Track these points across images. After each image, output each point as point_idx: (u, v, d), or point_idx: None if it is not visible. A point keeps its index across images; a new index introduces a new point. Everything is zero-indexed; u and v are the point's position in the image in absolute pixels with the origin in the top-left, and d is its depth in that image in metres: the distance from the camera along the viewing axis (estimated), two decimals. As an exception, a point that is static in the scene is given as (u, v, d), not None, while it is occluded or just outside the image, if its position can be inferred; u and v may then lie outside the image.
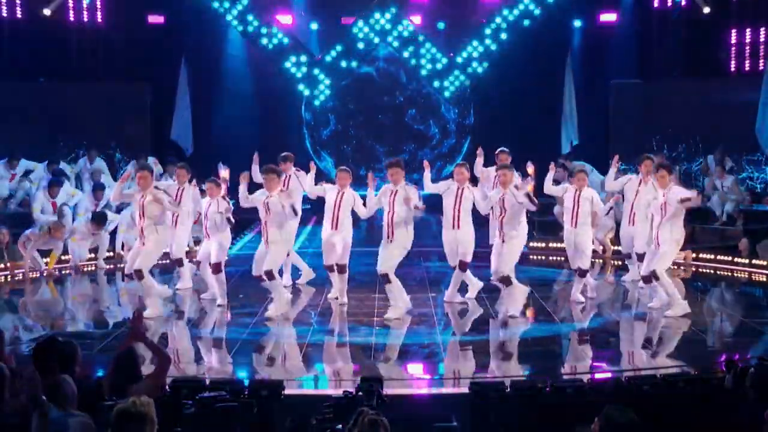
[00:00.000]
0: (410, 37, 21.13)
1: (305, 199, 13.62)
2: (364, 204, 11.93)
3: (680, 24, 20.06)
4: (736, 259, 15.15)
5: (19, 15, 19.74)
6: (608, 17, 20.78)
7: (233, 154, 15.15)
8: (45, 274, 14.58)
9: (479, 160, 13.14)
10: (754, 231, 15.75)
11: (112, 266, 15.33)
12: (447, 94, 21.39)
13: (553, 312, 11.89)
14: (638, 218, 12.94)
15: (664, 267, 11.47)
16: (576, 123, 19.47)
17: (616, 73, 19.88)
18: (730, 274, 14.85)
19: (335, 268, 12.20)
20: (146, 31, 20.75)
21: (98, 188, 16.42)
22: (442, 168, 21.10)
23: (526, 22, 20.56)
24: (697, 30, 19.65)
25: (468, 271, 12.15)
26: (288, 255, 12.76)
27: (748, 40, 19.49)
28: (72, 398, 5.77)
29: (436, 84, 21.26)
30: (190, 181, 13.16)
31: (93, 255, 15.45)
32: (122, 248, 15.48)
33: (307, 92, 21.47)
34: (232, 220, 12.15)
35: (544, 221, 16.89)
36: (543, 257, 16.09)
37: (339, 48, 21.27)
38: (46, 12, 19.29)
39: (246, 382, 8.02)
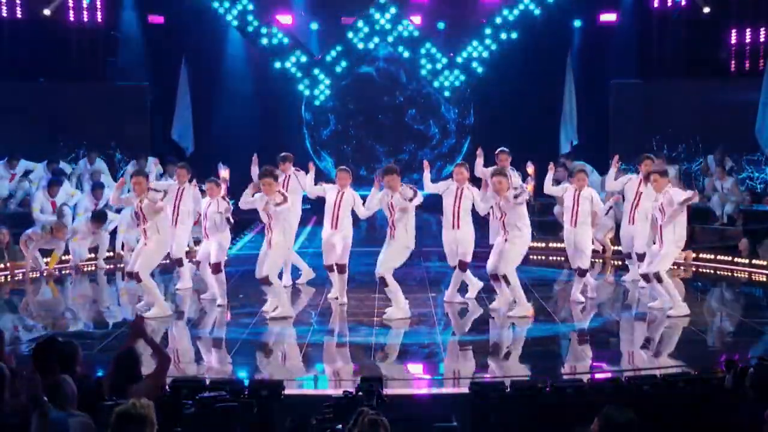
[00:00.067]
0: (410, 37, 21.13)
1: (305, 199, 13.62)
2: (364, 204, 11.94)
3: (680, 24, 20.05)
4: (736, 259, 15.15)
5: (19, 15, 19.74)
6: (608, 17, 20.78)
7: (233, 154, 15.16)
8: (45, 274, 14.58)
9: (479, 161, 13.13)
10: (754, 231, 15.75)
11: (112, 266, 15.33)
12: (447, 93, 21.40)
13: (553, 312, 11.89)
14: (638, 218, 12.94)
15: (665, 268, 11.47)
16: (576, 123, 19.46)
17: (616, 73, 19.88)
18: (730, 274, 14.85)
19: (335, 268, 12.20)
20: (146, 31, 20.76)
21: (98, 187, 16.40)
22: (442, 168, 21.11)
23: (526, 22, 20.57)
24: (697, 30, 19.65)
25: (468, 271, 12.15)
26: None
27: (748, 40, 19.49)
28: (72, 398, 5.77)
29: (437, 84, 21.27)
30: (190, 181, 13.16)
31: (93, 255, 15.45)
32: (122, 248, 15.48)
33: (307, 92, 21.47)
34: (232, 221, 12.15)
35: (544, 221, 16.90)
36: (543, 257, 16.08)
37: (339, 48, 21.28)
38: (46, 12, 19.29)
39: (246, 382, 8.02)
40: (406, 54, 21.27)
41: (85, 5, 20.39)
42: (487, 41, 20.82)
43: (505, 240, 11.34)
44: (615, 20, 20.73)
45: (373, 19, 21.05)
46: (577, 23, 20.82)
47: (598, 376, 9.02)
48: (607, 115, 19.84)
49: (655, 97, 19.52)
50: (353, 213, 12.10)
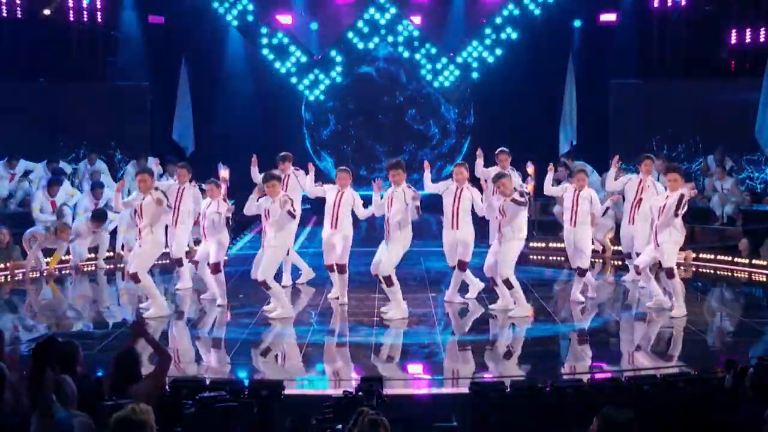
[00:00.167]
0: (410, 36, 21.14)
1: (305, 199, 13.63)
2: (364, 205, 11.95)
3: (680, 24, 20.05)
4: (736, 259, 15.15)
5: (19, 15, 19.74)
6: (608, 17, 20.78)
7: (233, 154, 15.15)
8: (45, 274, 14.58)
9: (479, 161, 13.13)
10: (754, 231, 15.75)
11: (112, 266, 15.33)
12: (452, 98, 21.43)
13: (553, 312, 11.90)
14: (638, 218, 12.94)
15: (671, 264, 11.47)
16: (575, 124, 19.46)
17: (616, 73, 19.87)
18: (730, 274, 14.85)
19: (335, 268, 12.21)
20: (146, 31, 20.76)
21: (97, 186, 16.40)
22: (442, 168, 21.11)
23: (526, 22, 20.58)
24: (697, 30, 19.65)
25: (468, 272, 12.16)
26: (288, 255, 12.78)
27: (748, 40, 19.48)
28: (72, 398, 5.77)
29: (437, 84, 21.28)
30: (190, 181, 13.16)
31: (93, 255, 15.45)
32: (122, 248, 15.47)
33: (306, 92, 21.48)
34: (231, 222, 12.16)
35: (544, 221, 16.91)
36: (543, 257, 16.09)
37: (339, 48, 21.28)
38: (46, 12, 19.28)
39: (246, 382, 8.02)
40: (406, 54, 21.28)
41: (85, 5, 20.39)
42: (487, 41, 20.82)
43: (500, 242, 11.38)
44: (615, 20, 20.73)
45: (373, 19, 21.06)
46: (577, 23, 20.82)
47: (598, 376, 9.02)
48: (607, 115, 19.83)
49: (655, 97, 19.51)
50: (353, 213, 12.11)
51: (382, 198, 11.48)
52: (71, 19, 20.25)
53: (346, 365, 9.74)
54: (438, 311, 11.86)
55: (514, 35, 20.77)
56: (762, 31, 19.20)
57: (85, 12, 20.47)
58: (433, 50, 21.12)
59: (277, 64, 21.14)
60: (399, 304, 11.32)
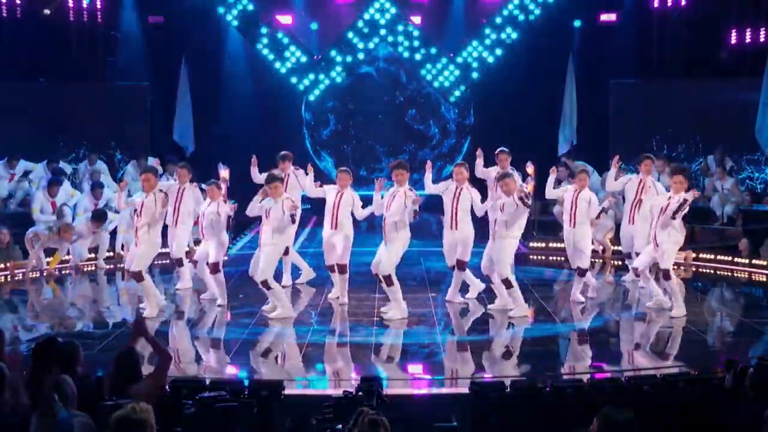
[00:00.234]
0: (410, 36, 21.14)
1: (305, 199, 13.62)
2: (363, 206, 11.96)
3: (680, 24, 20.04)
4: (736, 259, 15.15)
5: (19, 15, 19.73)
6: (608, 17, 20.77)
7: (233, 154, 15.15)
8: (45, 274, 14.58)
9: (479, 161, 13.13)
10: (754, 231, 15.75)
11: (112, 266, 15.33)
12: (452, 98, 21.44)
13: (553, 312, 11.90)
14: (638, 218, 12.94)
15: (668, 265, 11.48)
16: (575, 124, 19.46)
17: (615, 73, 19.86)
18: (730, 274, 14.85)
19: (336, 268, 12.21)
20: (146, 31, 20.76)
21: (97, 186, 16.40)
22: (442, 168, 21.10)
23: (526, 22, 20.58)
24: (697, 30, 19.64)
25: (468, 272, 12.16)
26: (288, 255, 12.78)
27: (748, 40, 19.48)
28: (72, 398, 5.77)
29: (441, 89, 21.31)
30: (191, 182, 13.16)
31: (93, 255, 15.45)
32: (122, 248, 15.46)
33: (306, 92, 21.48)
34: (231, 220, 12.15)
35: (544, 221, 16.91)
36: (543, 257, 16.09)
37: (339, 48, 21.28)
38: (46, 12, 19.28)
39: (246, 382, 8.02)
40: (406, 54, 21.28)
41: (85, 5, 20.40)
42: (487, 41, 20.82)
43: (494, 240, 11.40)
44: (615, 20, 20.72)
45: (373, 19, 21.05)
46: (577, 23, 20.81)
47: (598, 376, 9.02)
48: (607, 115, 19.83)
49: (655, 97, 19.51)
50: (353, 214, 12.12)
51: (382, 197, 11.48)
52: (71, 19, 20.25)
53: (346, 365, 9.74)
54: (438, 311, 11.87)
55: (514, 35, 20.76)
56: (762, 31, 19.20)
57: (85, 12, 20.47)
58: (433, 50, 21.12)
59: (277, 64, 21.13)
60: (399, 303, 11.32)
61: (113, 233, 15.67)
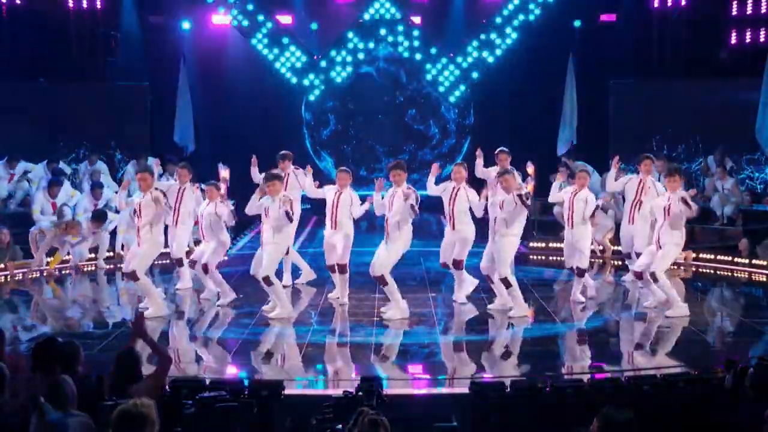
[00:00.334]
0: (410, 36, 21.14)
1: (305, 199, 13.62)
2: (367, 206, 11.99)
3: (680, 24, 20.04)
4: (736, 259, 15.14)
5: (19, 15, 19.71)
6: (608, 17, 20.77)
7: (233, 154, 15.15)
8: (45, 274, 14.57)
9: (479, 161, 13.13)
10: (754, 231, 15.74)
11: (112, 266, 15.32)
12: (452, 99, 21.44)
13: (553, 312, 11.90)
14: (638, 218, 12.94)
15: (663, 268, 11.49)
16: (575, 124, 19.45)
17: (615, 73, 19.87)
18: (730, 274, 14.85)
19: (336, 268, 12.21)
20: (146, 31, 20.76)
21: (96, 187, 16.40)
22: (442, 168, 21.00)
23: (526, 23, 20.58)
24: (697, 30, 19.64)
25: (464, 270, 12.16)
26: (288, 254, 12.78)
27: (748, 40, 19.48)
28: (72, 398, 5.76)
29: (442, 89, 21.30)
30: (191, 182, 13.16)
31: (93, 255, 15.45)
32: (122, 248, 15.45)
33: (306, 92, 21.48)
34: (233, 222, 12.17)
35: (544, 221, 16.90)
36: (543, 257, 16.09)
37: (339, 48, 21.28)
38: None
39: (246, 382, 8.02)
40: (406, 54, 21.28)
41: (85, 5, 20.40)
42: (487, 41, 20.81)
43: (494, 240, 11.40)
44: (615, 20, 20.72)
45: (373, 19, 21.05)
46: (577, 23, 20.81)
47: (598, 376, 9.02)
48: (606, 115, 19.83)
49: (654, 97, 19.51)
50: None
51: (383, 198, 11.49)
52: (71, 19, 20.24)
53: (346, 365, 9.74)
54: (438, 311, 11.87)
55: (514, 35, 20.77)
56: (762, 31, 19.20)
57: (85, 12, 20.46)
58: (433, 50, 21.12)
59: (277, 65, 21.14)
60: (398, 303, 11.32)
61: (113, 233, 15.66)
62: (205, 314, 11.90)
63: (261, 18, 21.02)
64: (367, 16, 21.20)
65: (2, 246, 14.73)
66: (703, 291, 13.81)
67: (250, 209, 11.75)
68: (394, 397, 7.32)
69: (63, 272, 14.94)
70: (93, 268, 15.31)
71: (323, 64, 21.33)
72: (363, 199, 12.07)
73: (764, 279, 14.46)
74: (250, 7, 20.86)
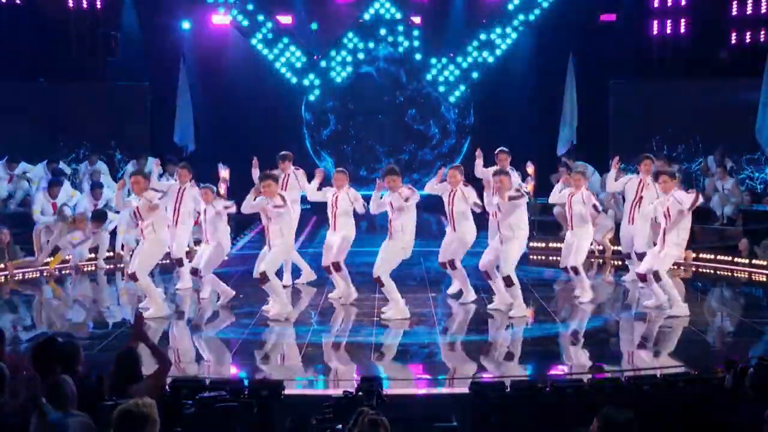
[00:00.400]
0: (410, 36, 21.14)
1: (304, 199, 13.62)
2: (366, 204, 11.97)
3: (680, 24, 20.04)
4: (736, 259, 15.14)
5: (18, 15, 19.72)
6: (608, 17, 20.77)
7: (233, 154, 15.15)
8: (45, 274, 14.57)
9: (479, 162, 13.14)
10: (754, 231, 15.74)
11: (112, 266, 15.32)
12: (452, 99, 21.44)
13: (553, 312, 11.90)
14: (638, 218, 12.94)
15: (665, 268, 11.48)
16: (575, 124, 19.45)
17: (615, 73, 19.88)
18: (730, 274, 14.85)
19: (331, 269, 12.20)
20: (146, 31, 20.76)
21: (96, 187, 16.39)
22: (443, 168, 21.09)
23: (526, 23, 20.60)
24: (697, 30, 19.64)
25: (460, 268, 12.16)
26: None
27: (748, 40, 19.48)
28: (72, 398, 5.76)
29: (442, 89, 21.30)
30: (191, 182, 13.16)
31: (93, 255, 15.44)
32: (122, 248, 15.46)
33: (306, 92, 21.48)
34: (232, 211, 12.16)
35: (544, 221, 16.89)
36: (543, 257, 16.08)
37: (339, 48, 21.28)
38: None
39: (246, 382, 8.01)
40: (406, 54, 21.28)
41: (85, 5, 20.39)
42: (487, 41, 20.82)
43: (501, 242, 11.39)
44: (615, 20, 20.72)
45: (373, 19, 21.06)
46: (577, 23, 20.80)
47: (598, 376, 9.01)
48: (607, 115, 19.84)
49: (654, 97, 19.51)
50: (356, 213, 12.14)
51: (382, 197, 11.49)
52: (71, 19, 20.24)
53: (346, 365, 9.73)
54: (438, 311, 11.87)
55: (514, 35, 20.78)
56: (762, 31, 19.20)
57: (85, 12, 20.45)
58: (433, 50, 21.12)
59: (277, 65, 21.14)
60: (397, 303, 11.32)
61: (113, 233, 15.66)
62: (205, 314, 11.88)
63: (261, 18, 21.06)
64: (367, 16, 21.21)
65: (2, 246, 14.73)
66: (703, 291, 13.81)
67: (245, 208, 11.75)
68: (394, 397, 7.32)
69: (63, 272, 14.94)
70: (93, 268, 15.30)
71: (323, 64, 21.34)
72: (365, 197, 12.06)
73: (764, 279, 14.45)
74: (250, 7, 20.88)
